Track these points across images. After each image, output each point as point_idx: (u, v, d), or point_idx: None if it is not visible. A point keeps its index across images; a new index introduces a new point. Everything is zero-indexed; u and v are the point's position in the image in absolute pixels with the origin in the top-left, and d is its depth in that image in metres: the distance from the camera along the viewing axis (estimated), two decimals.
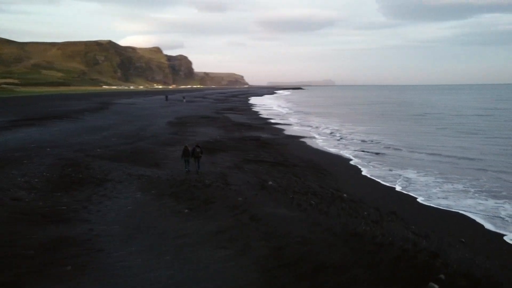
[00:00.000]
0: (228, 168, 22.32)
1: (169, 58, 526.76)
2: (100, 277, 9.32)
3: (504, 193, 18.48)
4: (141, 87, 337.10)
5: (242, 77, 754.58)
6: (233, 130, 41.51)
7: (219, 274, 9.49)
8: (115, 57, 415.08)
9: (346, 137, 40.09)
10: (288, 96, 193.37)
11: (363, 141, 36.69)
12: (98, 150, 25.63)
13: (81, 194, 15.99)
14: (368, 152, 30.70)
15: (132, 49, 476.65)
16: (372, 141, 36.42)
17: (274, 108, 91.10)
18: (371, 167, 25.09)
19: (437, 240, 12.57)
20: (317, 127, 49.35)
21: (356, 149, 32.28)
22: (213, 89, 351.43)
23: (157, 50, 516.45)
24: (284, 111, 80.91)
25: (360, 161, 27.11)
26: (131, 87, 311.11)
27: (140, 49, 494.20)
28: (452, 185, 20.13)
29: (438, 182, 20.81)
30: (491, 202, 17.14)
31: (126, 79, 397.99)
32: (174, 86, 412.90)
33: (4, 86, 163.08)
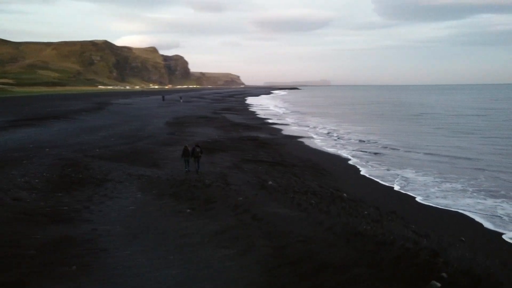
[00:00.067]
0: (227, 168, 22.39)
1: (165, 58, 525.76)
2: (104, 276, 9.34)
3: (502, 192, 18.65)
4: (137, 87, 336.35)
5: (238, 77, 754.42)
6: (231, 130, 41.58)
7: (222, 273, 9.54)
8: (110, 57, 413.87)
9: (344, 137, 40.26)
10: (284, 96, 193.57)
11: (360, 141, 36.85)
12: (97, 150, 25.63)
13: (82, 194, 16.01)
14: (366, 152, 30.86)
15: (128, 49, 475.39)
16: (369, 141, 36.58)
17: (271, 108, 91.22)
18: (370, 167, 25.23)
19: (437, 239, 12.68)
20: (314, 127, 49.51)
21: (354, 149, 32.44)
22: (209, 89, 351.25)
23: (153, 50, 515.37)
24: (281, 111, 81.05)
25: (358, 161, 27.25)
26: (127, 87, 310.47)
27: (136, 49, 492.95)
28: (450, 184, 20.29)
29: (436, 181, 20.97)
30: (489, 201, 17.30)
31: (122, 79, 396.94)
32: (170, 86, 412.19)
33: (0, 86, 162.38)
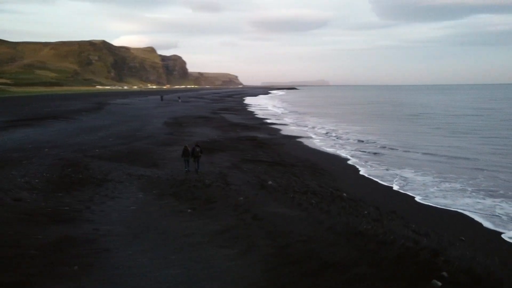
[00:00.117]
0: (227, 168, 22.42)
1: (163, 58, 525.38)
2: (106, 276, 9.36)
3: (501, 192, 18.73)
4: (135, 87, 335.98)
5: (236, 77, 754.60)
6: (230, 130, 41.62)
7: (225, 273, 9.58)
8: (108, 57, 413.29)
9: (342, 137, 40.32)
10: (282, 96, 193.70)
11: (359, 141, 36.92)
12: (96, 150, 25.63)
13: (83, 194, 16.02)
14: (364, 152, 30.93)
15: (126, 49, 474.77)
16: (368, 141, 36.65)
17: (269, 108, 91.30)
18: (369, 166, 25.29)
19: (437, 238, 12.75)
20: (313, 127, 49.56)
21: (352, 149, 32.50)
22: (207, 89, 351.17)
23: (151, 50, 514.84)
24: (279, 111, 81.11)
25: (357, 160, 27.32)
26: (125, 87, 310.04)
27: (134, 49, 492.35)
28: (449, 184, 20.37)
29: (435, 181, 21.04)
30: (488, 201, 17.37)
31: (119, 79, 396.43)
32: (168, 86, 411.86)
33: None
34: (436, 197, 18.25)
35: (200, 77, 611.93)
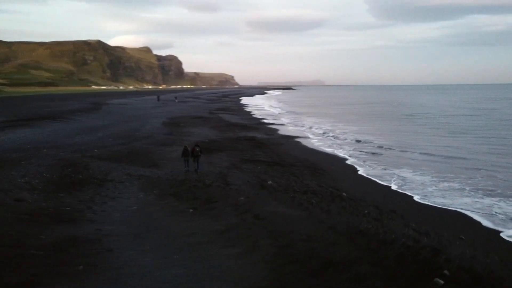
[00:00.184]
0: (226, 168, 22.49)
1: (159, 58, 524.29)
2: (111, 276, 9.41)
3: (498, 191, 18.90)
4: (131, 87, 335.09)
5: (232, 77, 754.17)
6: (228, 130, 41.69)
7: (230, 271, 9.65)
8: (104, 57, 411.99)
9: (340, 137, 40.46)
10: (279, 96, 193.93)
11: (357, 141, 37.07)
12: (95, 150, 25.63)
13: (84, 194, 16.04)
14: (362, 151, 31.08)
15: (122, 49, 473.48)
16: (365, 141, 36.80)
17: (266, 108, 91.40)
18: (367, 166, 25.43)
19: (438, 237, 12.87)
20: (310, 127, 49.70)
21: (350, 148, 32.65)
22: (203, 89, 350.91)
23: (146, 50, 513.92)
24: (276, 111, 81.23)
25: (355, 160, 27.45)
26: (121, 87, 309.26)
27: (130, 49, 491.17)
28: (447, 183, 20.52)
29: (433, 181, 21.20)
30: (487, 200, 17.53)
31: (115, 79, 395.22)
32: (164, 86, 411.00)
33: None
34: (434, 196, 18.39)
35: (196, 77, 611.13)
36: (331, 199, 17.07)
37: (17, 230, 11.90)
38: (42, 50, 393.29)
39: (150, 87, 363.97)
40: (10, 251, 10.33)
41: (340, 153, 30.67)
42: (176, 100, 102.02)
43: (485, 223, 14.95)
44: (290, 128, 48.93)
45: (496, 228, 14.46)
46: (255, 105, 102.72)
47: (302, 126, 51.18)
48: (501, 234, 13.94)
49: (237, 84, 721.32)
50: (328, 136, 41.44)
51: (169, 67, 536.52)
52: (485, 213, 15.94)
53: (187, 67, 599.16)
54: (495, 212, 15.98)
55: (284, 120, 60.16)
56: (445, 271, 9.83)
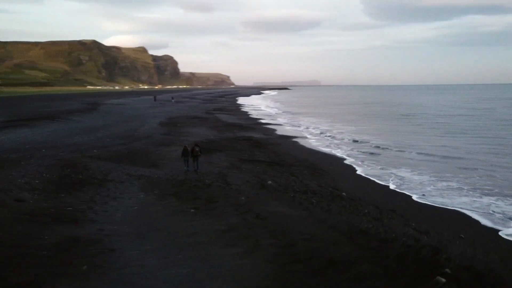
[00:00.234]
0: (226, 168, 22.56)
1: (155, 58, 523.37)
2: (116, 276, 9.44)
3: (496, 190, 19.08)
4: (127, 87, 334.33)
5: (228, 77, 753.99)
6: (225, 130, 41.75)
7: (234, 271, 9.71)
8: (99, 57, 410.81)
9: (337, 137, 40.62)
10: (275, 96, 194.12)
11: (354, 141, 37.22)
12: (94, 151, 25.61)
13: (84, 194, 16.05)
14: (360, 151, 31.24)
15: (117, 48, 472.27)
16: (362, 140, 36.97)
17: (263, 108, 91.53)
18: (365, 166, 25.57)
19: (438, 236, 13.00)
20: (307, 127, 49.84)
21: (348, 148, 32.81)
22: (199, 89, 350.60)
23: (142, 50, 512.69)
24: (273, 111, 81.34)
25: (353, 160, 27.60)
26: (116, 88, 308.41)
27: (125, 48, 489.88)
28: (445, 183, 20.68)
29: (432, 180, 21.35)
30: (485, 199, 17.70)
31: (111, 79, 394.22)
32: (160, 86, 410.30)
33: None
34: (433, 196, 18.54)
35: (191, 77, 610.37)
36: (331, 198, 17.17)
37: (19, 230, 11.90)
38: (37, 50, 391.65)
39: (145, 87, 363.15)
40: (13, 251, 10.35)
41: (338, 153, 30.81)
42: (173, 100, 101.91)
43: (484, 222, 15.10)
44: (288, 128, 49.05)
45: (495, 227, 14.61)
46: (251, 105, 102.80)
47: (299, 126, 51.31)
48: (500, 233, 14.09)
49: (233, 84, 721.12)
50: (326, 136, 41.59)
51: (165, 67, 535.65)
52: (484, 212, 16.10)
53: (183, 67, 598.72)
54: (494, 211, 16.14)
55: (281, 120, 60.28)
56: (447, 270, 9.94)
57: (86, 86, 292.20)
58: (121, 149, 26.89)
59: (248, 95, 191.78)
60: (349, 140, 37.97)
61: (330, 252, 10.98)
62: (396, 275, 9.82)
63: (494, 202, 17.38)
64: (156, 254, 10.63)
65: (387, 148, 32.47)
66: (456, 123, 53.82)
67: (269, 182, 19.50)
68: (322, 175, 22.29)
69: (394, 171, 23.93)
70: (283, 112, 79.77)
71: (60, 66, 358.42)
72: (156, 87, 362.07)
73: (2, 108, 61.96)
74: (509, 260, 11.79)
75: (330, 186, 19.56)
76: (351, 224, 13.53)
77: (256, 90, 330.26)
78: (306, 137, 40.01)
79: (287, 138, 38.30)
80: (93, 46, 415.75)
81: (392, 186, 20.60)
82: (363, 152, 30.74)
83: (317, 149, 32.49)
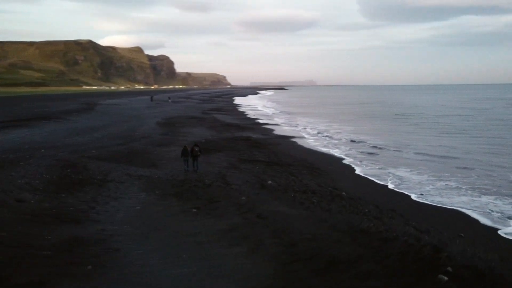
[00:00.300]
0: (225, 168, 22.61)
1: (151, 58, 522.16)
2: (120, 275, 9.48)
3: (494, 190, 19.24)
4: (122, 87, 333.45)
5: (224, 77, 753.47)
6: (223, 130, 41.80)
7: (237, 270, 9.78)
8: (95, 57, 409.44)
9: (335, 137, 40.75)
10: (271, 96, 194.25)
11: (351, 141, 37.36)
12: (93, 151, 25.60)
13: (85, 195, 16.06)
14: (358, 151, 31.37)
15: (113, 48, 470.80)
16: (360, 140, 37.13)
17: (260, 108, 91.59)
18: (364, 166, 25.69)
19: (438, 235, 13.11)
20: (304, 127, 49.97)
21: (346, 148, 32.94)
22: (196, 89, 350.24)
23: (138, 50, 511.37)
24: (270, 111, 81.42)
25: (352, 160, 27.72)
26: (112, 88, 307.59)
27: (121, 48, 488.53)
28: (444, 182, 20.83)
29: (430, 180, 21.50)
30: (483, 199, 17.85)
31: (106, 79, 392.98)
32: (156, 86, 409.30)
33: None
34: (432, 195, 18.67)
35: (188, 77, 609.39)
36: (331, 198, 17.26)
37: (22, 230, 11.91)
38: (32, 50, 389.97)
39: (141, 87, 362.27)
40: (16, 251, 10.37)
41: (336, 153, 30.93)
42: (170, 101, 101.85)
43: (483, 221, 15.24)
44: (285, 128, 49.14)
45: (493, 226, 14.75)
46: (248, 105, 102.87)
47: (297, 126, 51.43)
48: (499, 232, 14.23)
49: (229, 84, 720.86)
50: (323, 136, 41.71)
51: (161, 67, 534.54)
52: (482, 211, 16.24)
53: (179, 67, 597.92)
54: (492, 210, 16.29)
55: (278, 120, 60.37)
56: (448, 268, 10.05)
57: (82, 86, 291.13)
58: (120, 149, 26.89)
59: (244, 95, 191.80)
60: (346, 140, 38.11)
61: (332, 251, 11.06)
62: (398, 274, 9.91)
63: (492, 201, 17.53)
64: (160, 254, 10.67)
65: (385, 148, 32.62)
66: (453, 123, 54.11)
67: (269, 182, 19.57)
68: (321, 175, 22.38)
69: (392, 170, 24.06)
70: (280, 112, 79.88)
71: (55, 66, 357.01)
72: (152, 87, 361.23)
73: (0, 108, 61.73)
74: (509, 259, 11.91)
75: (329, 186, 19.66)
76: (351, 223, 13.62)
77: (253, 90, 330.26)
78: (304, 137, 40.12)
79: (285, 138, 38.38)
80: (88, 46, 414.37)
81: (391, 186, 20.72)
82: (361, 152, 30.88)
83: (315, 149, 32.60)
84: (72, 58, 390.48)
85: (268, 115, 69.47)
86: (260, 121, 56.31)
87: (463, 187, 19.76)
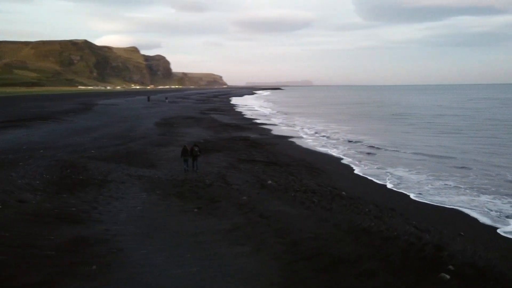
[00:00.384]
0: (224, 168, 22.66)
1: (147, 58, 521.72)
2: (125, 275, 9.52)
3: (493, 189, 19.39)
4: (118, 87, 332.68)
5: (220, 77, 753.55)
6: (221, 130, 41.83)
7: (241, 270, 9.84)
8: (91, 57, 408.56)
9: (332, 136, 40.84)
10: (268, 96, 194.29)
11: (349, 141, 37.45)
12: (92, 151, 25.58)
13: (87, 195, 16.06)
14: (357, 151, 31.47)
15: (108, 48, 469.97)
16: (358, 140, 37.22)
17: (257, 108, 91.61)
18: (363, 166, 25.78)
19: (438, 234, 13.21)
20: (302, 127, 50.03)
21: (344, 148, 33.04)
22: (192, 89, 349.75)
23: (134, 50, 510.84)
24: (267, 111, 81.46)
25: (350, 160, 27.81)
26: (108, 88, 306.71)
27: (117, 48, 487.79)
28: (442, 182, 20.95)
29: (429, 179, 21.62)
30: (482, 198, 17.98)
31: (102, 79, 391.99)
32: (152, 86, 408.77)
33: None
34: (431, 194, 18.78)
35: (184, 77, 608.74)
36: (331, 198, 17.34)
37: (25, 231, 11.92)
38: (28, 50, 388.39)
39: (138, 87, 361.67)
40: (20, 251, 10.39)
41: (335, 152, 31.03)
42: (167, 101, 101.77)
43: (483, 220, 15.36)
44: (283, 128, 49.21)
45: (493, 224, 14.87)
46: (245, 105, 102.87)
47: (294, 126, 51.50)
48: (498, 231, 14.35)
49: (225, 84, 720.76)
50: (321, 136, 41.79)
51: (157, 67, 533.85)
52: (481, 210, 16.37)
53: (175, 67, 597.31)
54: (491, 210, 16.42)
55: (275, 120, 60.42)
56: (450, 266, 10.17)
57: (78, 86, 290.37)
58: (119, 150, 26.88)
59: (241, 95, 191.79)
60: (344, 140, 38.20)
61: (335, 250, 11.16)
62: (401, 272, 10.01)
63: (491, 200, 17.66)
64: (164, 253, 10.72)
65: (383, 148, 32.75)
66: (450, 122, 54.35)
67: (269, 182, 19.64)
68: (320, 175, 22.46)
69: (391, 170, 24.17)
70: (277, 112, 79.94)
71: (51, 66, 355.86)
72: (148, 87, 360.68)
73: None
74: (509, 257, 12.02)
75: (329, 186, 19.74)
76: (353, 222, 13.72)
77: (249, 90, 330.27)
78: (302, 137, 40.19)
79: (283, 138, 38.45)
80: (84, 46, 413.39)
81: (389, 186, 20.82)
82: (360, 152, 30.99)
83: (313, 149, 32.68)
84: (67, 58, 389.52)
85: (265, 115, 69.51)
86: (257, 121, 56.35)
87: (462, 187, 19.89)
